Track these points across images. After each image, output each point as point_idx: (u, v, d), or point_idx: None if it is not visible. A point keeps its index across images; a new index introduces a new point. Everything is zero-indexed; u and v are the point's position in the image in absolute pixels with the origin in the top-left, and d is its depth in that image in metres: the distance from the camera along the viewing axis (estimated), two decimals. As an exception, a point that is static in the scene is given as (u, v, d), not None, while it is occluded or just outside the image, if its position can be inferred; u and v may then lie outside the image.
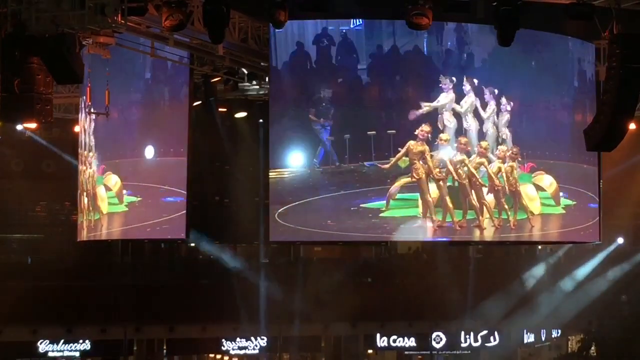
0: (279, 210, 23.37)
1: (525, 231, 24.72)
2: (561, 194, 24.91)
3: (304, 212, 23.46)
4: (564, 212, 25.15)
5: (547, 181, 24.77)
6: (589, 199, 25.63)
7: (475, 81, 23.83)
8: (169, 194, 25.01)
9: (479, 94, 23.86)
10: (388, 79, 23.76)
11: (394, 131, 23.45)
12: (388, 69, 23.76)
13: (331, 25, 23.52)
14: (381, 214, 23.57)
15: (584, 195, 25.46)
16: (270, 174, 23.61)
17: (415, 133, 23.49)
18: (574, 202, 25.20)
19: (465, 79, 23.66)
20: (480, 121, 23.92)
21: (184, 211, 24.61)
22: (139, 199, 25.49)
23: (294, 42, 23.57)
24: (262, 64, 24.63)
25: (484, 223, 23.89)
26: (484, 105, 23.92)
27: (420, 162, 23.32)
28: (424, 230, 23.67)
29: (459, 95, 23.67)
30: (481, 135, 23.97)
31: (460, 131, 23.68)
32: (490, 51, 23.91)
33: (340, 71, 23.80)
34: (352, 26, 23.74)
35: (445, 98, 23.60)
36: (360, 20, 23.74)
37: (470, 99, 23.80)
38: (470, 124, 23.83)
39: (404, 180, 23.44)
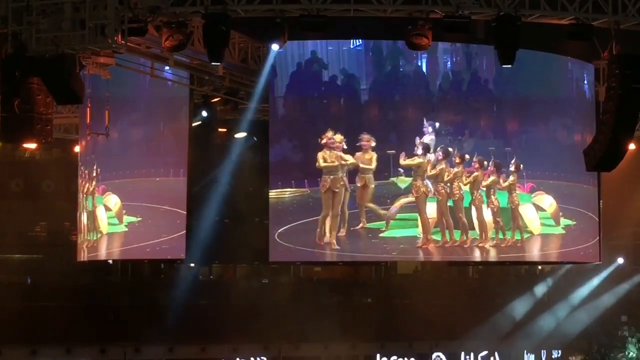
0: (279, 231, 23.55)
1: (525, 251, 24.98)
2: (561, 213, 25.09)
3: (304, 232, 23.66)
4: (563, 232, 25.41)
5: (547, 201, 25.05)
6: (589, 219, 25.82)
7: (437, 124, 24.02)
8: (169, 214, 25.01)
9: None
10: (388, 99, 24.01)
11: (393, 151, 23.69)
12: (388, 89, 24.00)
13: (331, 45, 23.81)
14: (381, 234, 23.85)
15: (584, 215, 25.67)
16: (270, 193, 23.75)
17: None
18: (574, 222, 25.42)
19: (425, 120, 23.89)
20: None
21: (184, 231, 24.62)
22: (139, 219, 25.60)
23: (294, 63, 23.79)
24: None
25: (484, 243, 24.26)
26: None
27: (422, 181, 23.59)
28: (424, 249, 23.96)
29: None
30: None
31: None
32: (491, 73, 24.34)
33: (342, 91, 23.94)
34: (352, 46, 23.97)
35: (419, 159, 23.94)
36: (360, 40, 23.91)
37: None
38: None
39: (403, 200, 23.71)
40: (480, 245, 24.37)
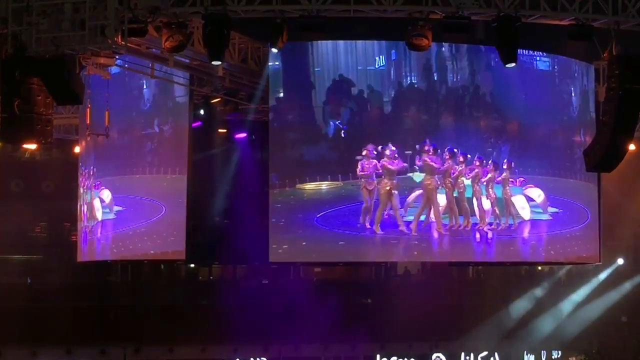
0: (319, 215, 26.50)
1: (517, 233, 27.89)
2: (548, 203, 28.13)
3: (341, 216, 26.64)
4: (550, 218, 28.23)
5: (536, 193, 28.18)
6: (575, 207, 28.39)
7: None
8: (145, 204, 27.06)
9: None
10: (406, 109, 27.01)
11: (410, 152, 26.82)
12: (406, 102, 26.99)
13: (360, 65, 26.66)
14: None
15: (570, 204, 28.51)
16: (308, 186, 26.34)
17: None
18: (560, 210, 28.32)
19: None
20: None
21: (158, 217, 26.34)
22: (124, 208, 27.76)
23: (330, 79, 26.46)
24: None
25: (483, 226, 27.38)
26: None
27: (432, 177, 26.80)
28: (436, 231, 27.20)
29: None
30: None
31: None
32: (490, 87, 27.28)
33: (368, 103, 26.87)
34: (376, 66, 26.80)
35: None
36: (384, 61, 26.57)
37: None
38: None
39: (418, 191, 27.03)
40: (479, 228, 27.34)
